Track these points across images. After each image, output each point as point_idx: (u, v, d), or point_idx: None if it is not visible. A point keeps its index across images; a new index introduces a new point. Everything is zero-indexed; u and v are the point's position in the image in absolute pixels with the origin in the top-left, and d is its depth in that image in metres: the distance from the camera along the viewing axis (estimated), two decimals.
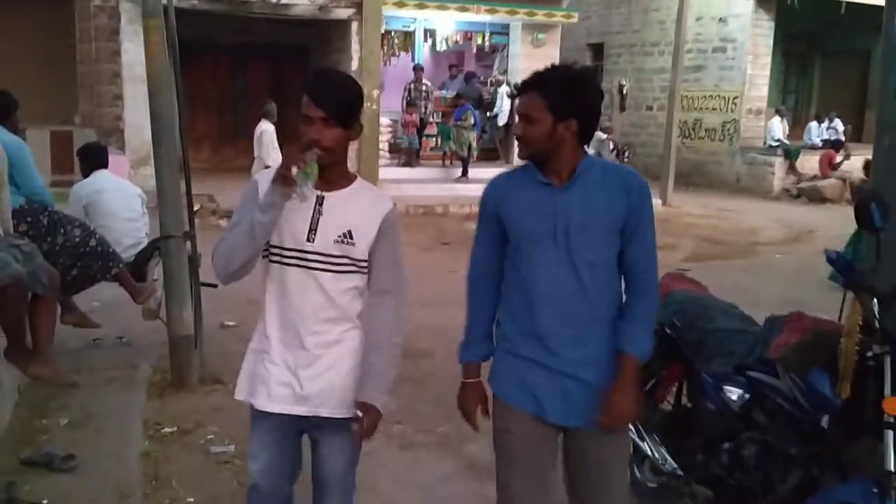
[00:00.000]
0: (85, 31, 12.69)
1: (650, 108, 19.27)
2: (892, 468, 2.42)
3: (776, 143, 16.83)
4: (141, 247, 5.44)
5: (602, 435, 2.32)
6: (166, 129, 4.76)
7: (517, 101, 2.33)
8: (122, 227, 5.24)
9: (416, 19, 15.32)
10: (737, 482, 2.89)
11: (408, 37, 15.97)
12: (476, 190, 11.81)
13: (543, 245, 2.29)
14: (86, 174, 5.46)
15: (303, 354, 2.34)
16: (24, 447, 3.77)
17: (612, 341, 2.31)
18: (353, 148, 13.43)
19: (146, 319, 5.01)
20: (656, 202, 14.34)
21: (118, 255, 4.88)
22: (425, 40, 16.00)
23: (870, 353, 2.58)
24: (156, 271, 5.26)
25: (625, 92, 17.44)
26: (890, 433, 2.45)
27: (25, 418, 4.13)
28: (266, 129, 10.07)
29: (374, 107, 13.31)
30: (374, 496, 3.64)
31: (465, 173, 14.25)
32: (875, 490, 2.42)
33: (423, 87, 14.57)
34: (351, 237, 2.29)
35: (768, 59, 17.42)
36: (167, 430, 4.21)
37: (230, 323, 6.07)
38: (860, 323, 2.63)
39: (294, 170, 2.11)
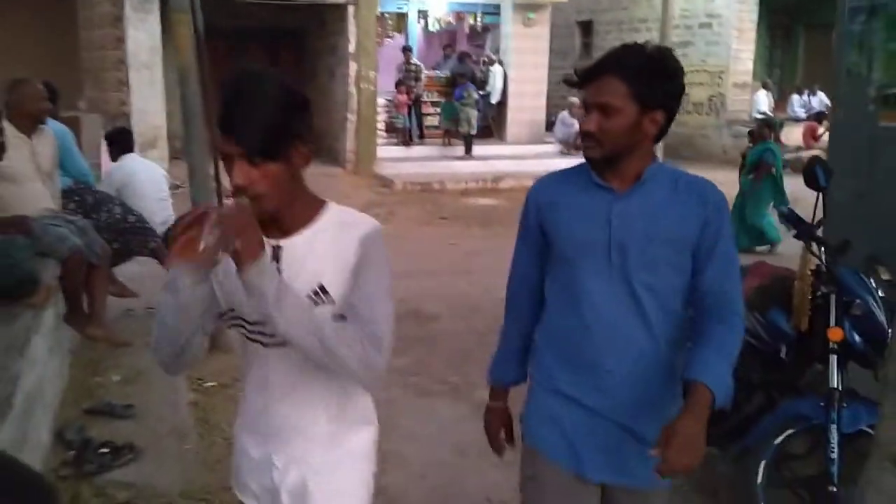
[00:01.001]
0: (88, 19, 13.05)
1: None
2: (836, 385, 2.93)
3: (761, 116, 17.31)
4: (169, 224, 5.91)
5: (649, 493, 1.99)
6: (194, 114, 5.21)
7: (585, 90, 1.89)
8: (153, 206, 5.70)
9: (409, 1, 15.71)
10: None
11: (401, 18, 16.37)
12: (475, 166, 12.36)
13: (594, 261, 1.89)
14: (115, 158, 5.91)
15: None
16: (84, 399, 4.28)
17: (667, 385, 1.94)
18: (350, 129, 13.90)
19: None
20: None
21: (154, 230, 5.36)
22: (418, 21, 16.42)
23: (819, 293, 3.09)
24: None
25: None
26: (833, 357, 2.96)
27: (81, 376, 4.63)
28: None
29: (372, 88, 13.75)
30: (398, 433, 4.15)
31: (468, 150, 14.68)
32: (822, 404, 2.94)
33: (413, 67, 14.99)
34: (324, 292, 1.65)
35: (753, 34, 17.86)
36: (209, 384, 4.71)
37: None
38: (811, 268, 3.14)
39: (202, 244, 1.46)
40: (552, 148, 15.78)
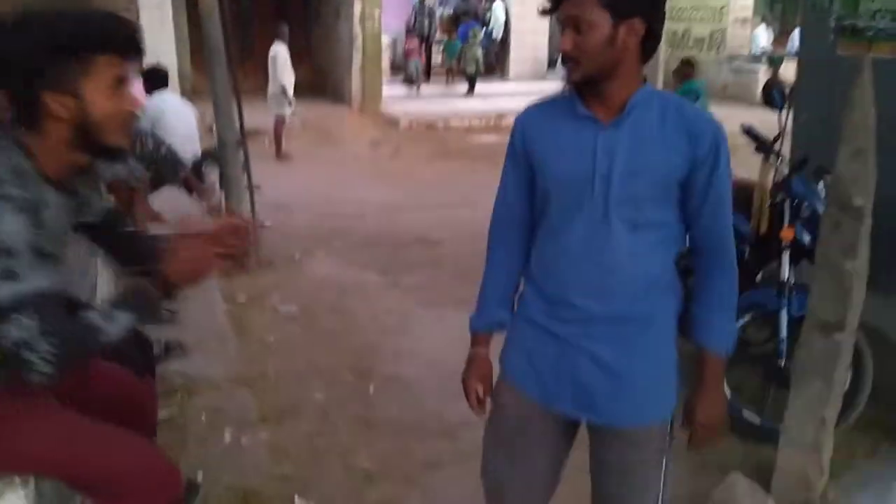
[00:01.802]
0: None
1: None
2: (787, 277, 3.43)
3: (761, 51, 17.52)
4: (196, 158, 6.37)
5: (633, 432, 1.89)
6: (216, 51, 5.66)
7: (561, 9, 1.76)
8: (181, 141, 6.15)
9: None
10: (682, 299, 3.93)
11: None
12: (478, 104, 12.86)
13: (577, 193, 1.79)
14: (150, 92, 6.35)
15: None
16: None
17: (646, 324, 1.85)
18: (356, 68, 14.21)
19: (210, 214, 5.98)
20: None
21: (184, 161, 5.83)
22: None
23: (777, 200, 3.57)
24: (212, 174, 6.22)
25: None
26: (785, 253, 3.46)
27: None
28: (279, 51, 10.77)
29: (377, 26, 14.02)
30: (411, 336, 4.69)
31: (471, 89, 15.01)
32: (775, 293, 3.45)
33: (427, 6, 15.19)
34: None
35: None
36: (240, 299, 5.25)
37: (267, 223, 7.05)
38: (776, 179, 3.62)
39: None
40: (555, 85, 16.06)
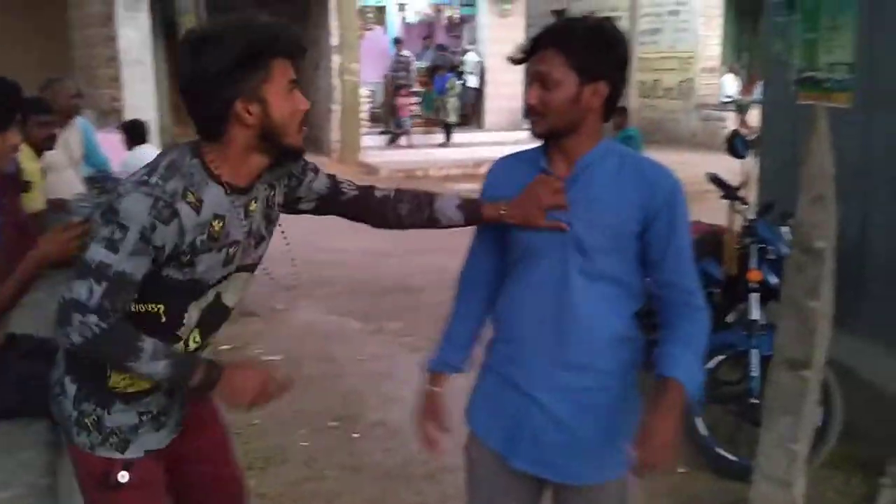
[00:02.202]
0: (79, 19, 13.49)
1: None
2: (756, 318, 3.57)
3: (728, 99, 18.00)
4: None
5: (589, 491, 1.91)
6: None
7: (529, 64, 1.86)
8: None
9: None
10: (656, 342, 4.05)
11: (380, 11, 16.90)
12: (456, 154, 13.07)
13: (537, 246, 1.87)
14: (130, 147, 6.46)
15: None
16: None
17: (604, 379, 1.87)
18: (335, 119, 14.43)
19: None
20: None
21: None
22: (397, 13, 16.96)
23: (745, 244, 3.73)
24: None
25: None
26: (753, 295, 3.60)
27: None
28: None
29: (355, 79, 14.30)
30: (395, 383, 4.77)
31: (448, 138, 15.24)
32: (745, 333, 3.58)
33: (403, 59, 15.48)
34: None
35: (720, 20, 18.53)
36: (223, 347, 5.30)
37: None
38: (743, 224, 3.78)
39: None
40: (529, 134, 16.39)
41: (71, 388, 1.76)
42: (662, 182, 1.83)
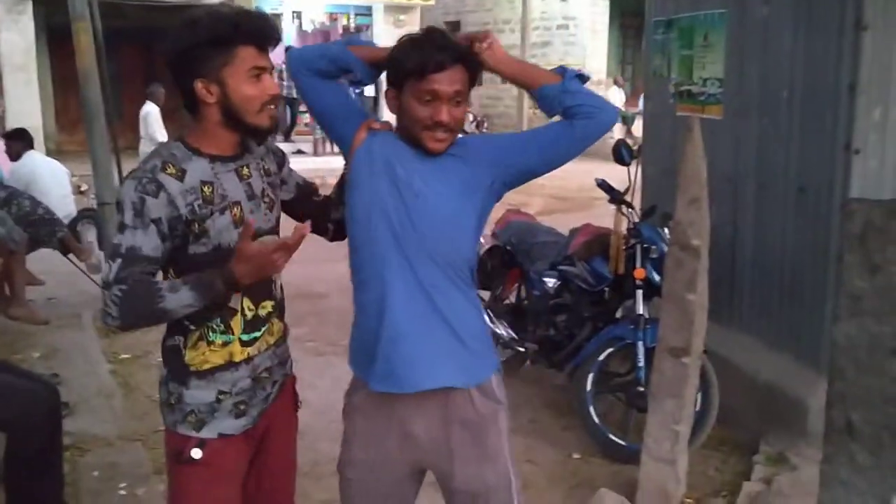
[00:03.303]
0: None
1: (505, 81, 20.78)
2: (641, 312, 3.85)
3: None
4: (71, 218, 6.33)
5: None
6: (96, 113, 5.71)
7: (434, 82, 1.87)
8: (57, 202, 6.11)
9: (283, 2, 16.19)
10: (552, 337, 4.30)
11: (276, 19, 16.80)
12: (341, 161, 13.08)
13: None
14: (16, 157, 6.28)
15: None
16: None
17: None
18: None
19: (93, 273, 5.92)
20: None
21: (62, 221, 5.79)
22: (293, 21, 16.90)
23: (630, 244, 4.01)
24: (88, 234, 6.19)
25: None
26: (639, 291, 3.89)
27: (3, 355, 5.06)
28: (150, 111, 10.72)
29: None
30: (301, 384, 4.81)
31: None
32: (632, 327, 3.86)
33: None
34: None
35: (605, 34, 19.33)
36: (123, 356, 5.24)
37: None
38: (628, 226, 4.06)
39: None
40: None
41: (164, 372, 1.94)
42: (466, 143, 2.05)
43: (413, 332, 1.92)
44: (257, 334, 1.95)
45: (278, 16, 16.49)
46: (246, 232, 1.79)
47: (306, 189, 2.19)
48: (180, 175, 1.79)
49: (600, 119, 1.96)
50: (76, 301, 6.42)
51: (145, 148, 10.39)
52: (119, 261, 1.74)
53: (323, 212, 2.17)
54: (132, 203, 1.74)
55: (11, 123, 12.55)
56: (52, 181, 6.15)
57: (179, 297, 1.75)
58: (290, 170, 2.14)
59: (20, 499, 2.63)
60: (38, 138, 12.64)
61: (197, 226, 1.80)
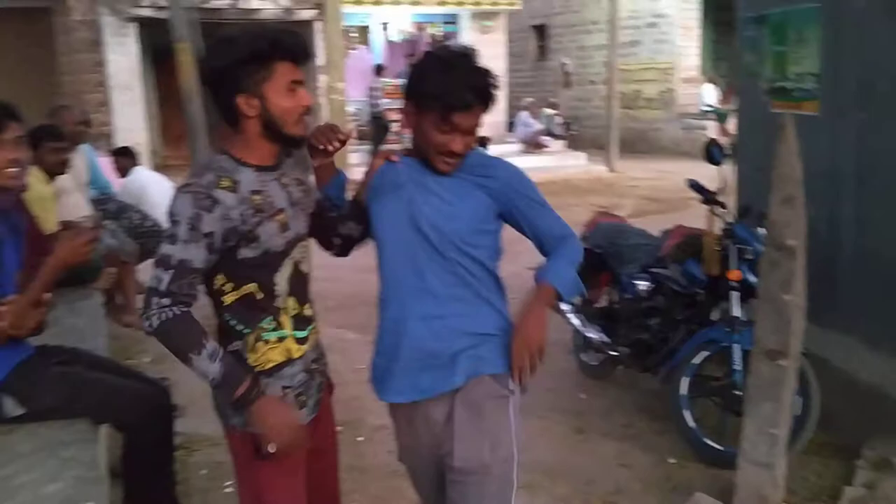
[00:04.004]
0: (66, 44, 13.65)
1: (593, 82, 20.66)
2: (736, 314, 3.78)
3: (708, 108, 18.34)
4: None
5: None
6: (198, 129, 6.00)
7: (458, 117, 2.02)
8: (163, 214, 6.38)
9: (371, 14, 16.51)
10: (644, 340, 4.27)
11: (364, 30, 17.16)
12: None
13: None
14: (123, 172, 6.63)
15: None
16: None
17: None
18: None
19: None
20: (602, 169, 15.82)
21: None
22: (381, 32, 17.21)
23: (724, 245, 3.95)
24: None
25: (568, 70, 18.78)
26: (734, 293, 3.82)
27: (117, 359, 5.36)
28: None
29: (341, 98, 14.49)
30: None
31: None
32: (727, 330, 3.79)
33: (376, 91, 15.35)
34: None
35: (697, 31, 18.91)
36: None
37: None
38: (722, 227, 4.00)
39: None
40: (514, 147, 16.65)
41: None
42: (495, 169, 2.18)
43: (428, 349, 2.08)
44: (306, 333, 2.10)
45: (366, 28, 16.84)
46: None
47: (322, 208, 2.28)
48: (234, 187, 1.90)
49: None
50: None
51: None
52: (171, 272, 1.85)
53: (329, 225, 2.26)
54: (188, 218, 1.84)
55: (118, 140, 13.22)
56: (159, 195, 6.46)
57: (209, 366, 1.87)
58: (313, 184, 2.26)
59: (136, 494, 2.80)
60: (144, 154, 13.33)
61: (248, 233, 1.92)
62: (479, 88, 2.04)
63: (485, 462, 2.09)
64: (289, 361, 2.05)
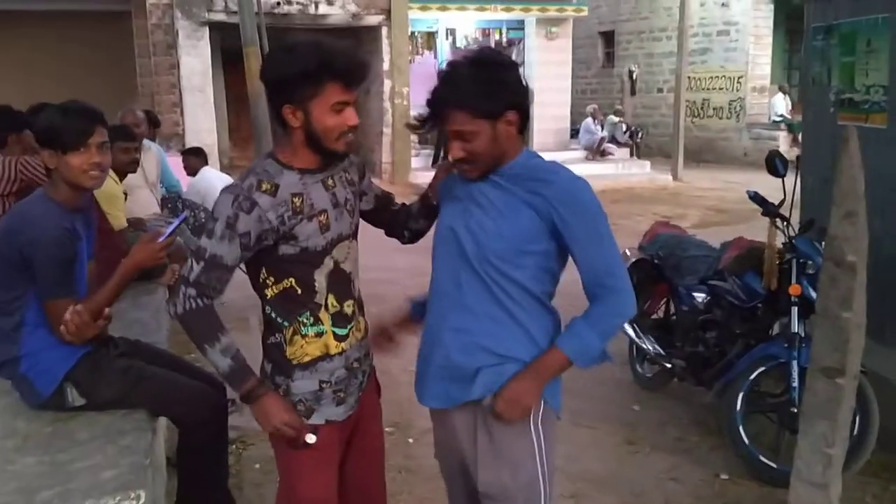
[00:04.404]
0: (143, 47, 14.10)
1: (660, 90, 20.41)
2: (796, 330, 3.70)
3: (779, 118, 17.93)
4: None
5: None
6: (264, 131, 6.15)
7: (442, 126, 2.05)
8: None
9: (438, 20, 16.62)
10: (700, 354, 4.21)
11: (430, 36, 17.27)
12: None
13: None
14: (192, 172, 6.83)
15: None
16: None
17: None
18: (386, 142, 14.79)
19: None
20: (667, 178, 15.59)
21: None
22: (447, 38, 17.30)
23: (785, 259, 3.87)
24: None
25: (634, 77, 18.59)
26: (795, 308, 3.74)
27: (178, 353, 5.52)
28: None
29: (405, 103, 14.65)
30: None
31: None
32: (786, 345, 3.72)
33: None
34: None
35: (769, 40, 18.51)
36: None
37: None
38: (784, 240, 3.92)
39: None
40: (577, 154, 16.55)
41: (268, 368, 2.14)
42: (550, 185, 2.04)
43: (454, 361, 2.12)
44: (346, 331, 2.15)
45: (433, 34, 16.95)
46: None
47: (384, 200, 2.41)
48: (273, 190, 1.97)
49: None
50: (244, 305, 6.85)
51: None
52: (202, 264, 1.95)
53: (398, 220, 2.42)
54: (227, 217, 1.93)
55: (189, 141, 13.60)
56: None
57: (219, 359, 1.99)
58: (371, 181, 2.35)
59: (190, 485, 2.89)
60: (213, 154, 13.67)
61: (287, 232, 1.99)
62: (436, 95, 2.04)
63: (506, 487, 2.11)
64: (326, 356, 2.10)
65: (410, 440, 4.25)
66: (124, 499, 2.08)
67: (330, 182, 2.11)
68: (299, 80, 1.93)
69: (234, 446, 4.03)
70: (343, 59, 1.96)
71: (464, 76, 1.99)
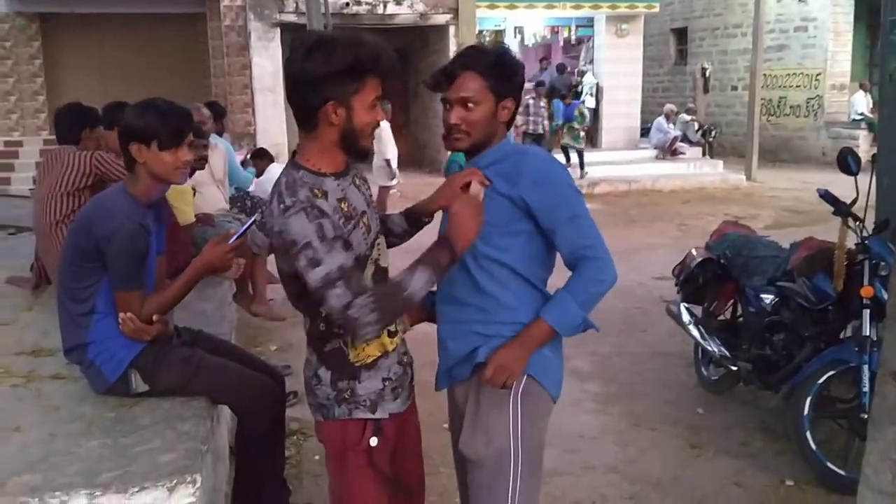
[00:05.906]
0: (217, 48, 14.48)
1: (735, 88, 19.93)
2: (868, 334, 3.57)
3: (860, 117, 17.30)
4: None
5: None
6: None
7: (449, 90, 2.17)
8: None
9: (506, 18, 16.58)
10: (768, 357, 4.09)
11: (498, 34, 17.26)
12: (572, 173, 13.15)
13: None
14: (260, 172, 6.97)
15: None
16: None
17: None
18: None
19: None
20: (740, 178, 15.20)
21: None
22: (515, 36, 17.26)
23: (857, 260, 3.73)
24: None
25: (707, 74, 18.17)
26: (866, 311, 3.60)
27: (244, 346, 5.64)
28: (384, 127, 11.39)
29: None
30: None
31: (582, 166, 14.58)
32: (856, 349, 3.58)
33: (542, 106, 14.65)
34: None
35: (849, 36, 17.88)
36: None
37: None
38: (857, 241, 3.78)
39: None
40: (648, 153, 16.28)
41: (326, 375, 2.10)
42: (524, 170, 2.16)
43: (452, 351, 2.30)
44: (395, 327, 2.17)
45: (501, 31, 16.91)
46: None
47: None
48: (325, 196, 1.94)
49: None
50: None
51: (378, 162, 11.07)
52: (341, 282, 1.85)
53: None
54: (316, 233, 1.86)
55: (261, 139, 13.89)
56: None
57: (418, 279, 1.94)
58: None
59: (246, 472, 2.94)
60: (283, 154, 13.92)
61: (345, 240, 1.93)
62: (461, 55, 2.21)
63: (478, 453, 2.19)
64: (385, 354, 2.12)
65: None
66: (181, 482, 2.14)
67: (357, 181, 2.10)
68: (345, 75, 1.90)
69: (294, 437, 4.10)
70: (383, 53, 1.95)
71: (488, 53, 2.19)
